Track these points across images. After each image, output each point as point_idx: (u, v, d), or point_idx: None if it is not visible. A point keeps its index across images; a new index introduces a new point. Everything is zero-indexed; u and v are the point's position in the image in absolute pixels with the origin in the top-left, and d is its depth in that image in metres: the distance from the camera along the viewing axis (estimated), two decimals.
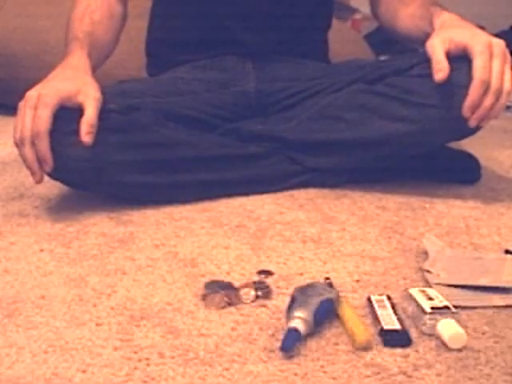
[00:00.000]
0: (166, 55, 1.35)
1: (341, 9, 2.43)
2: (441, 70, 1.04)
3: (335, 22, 2.04)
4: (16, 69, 1.75)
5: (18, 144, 0.98)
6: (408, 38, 1.27)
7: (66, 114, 0.99)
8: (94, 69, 1.12)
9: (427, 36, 1.11)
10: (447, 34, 1.06)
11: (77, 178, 1.06)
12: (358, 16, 2.66)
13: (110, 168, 1.05)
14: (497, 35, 1.07)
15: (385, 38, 2.46)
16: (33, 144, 0.97)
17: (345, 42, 1.95)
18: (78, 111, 1.00)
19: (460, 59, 1.04)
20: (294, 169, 1.21)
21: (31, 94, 0.99)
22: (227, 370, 0.66)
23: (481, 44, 1.03)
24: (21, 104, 1.00)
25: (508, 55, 1.04)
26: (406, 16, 1.24)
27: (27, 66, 1.72)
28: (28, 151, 0.97)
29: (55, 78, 1.04)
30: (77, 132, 0.99)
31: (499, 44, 1.04)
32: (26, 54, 1.75)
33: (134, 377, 0.65)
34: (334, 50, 1.47)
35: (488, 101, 1.03)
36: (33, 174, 0.99)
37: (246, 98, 1.26)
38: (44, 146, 0.97)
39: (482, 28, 1.19)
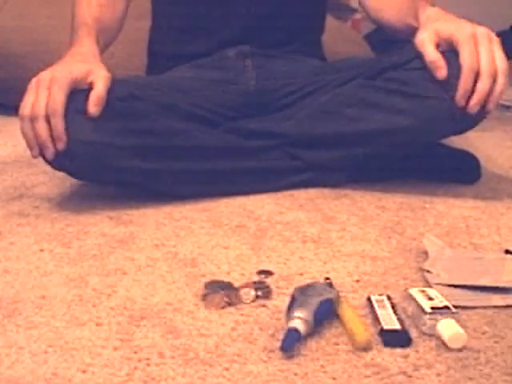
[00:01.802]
0: (167, 53, 1.35)
1: (341, 9, 2.43)
2: (439, 67, 1.05)
3: (335, 22, 2.04)
4: (16, 69, 1.74)
5: (30, 119, 0.99)
6: (393, 30, 1.28)
7: (73, 95, 1.01)
8: (101, 53, 1.14)
9: (412, 29, 1.13)
10: (433, 28, 1.08)
11: (78, 163, 1.05)
12: (357, 16, 2.65)
13: (110, 152, 1.05)
14: (497, 35, 1.07)
15: (384, 38, 2.46)
16: (46, 121, 0.99)
17: (345, 41, 1.95)
18: (85, 92, 1.02)
19: (450, 51, 1.06)
20: (294, 165, 1.21)
21: (44, 75, 1.01)
22: (227, 369, 0.66)
23: (465, 35, 1.04)
24: (33, 83, 1.01)
25: (494, 38, 1.05)
26: (391, 9, 1.25)
27: (27, 66, 1.72)
28: (42, 127, 0.99)
29: (66, 62, 1.05)
30: (81, 112, 1.01)
31: (483, 32, 1.04)
32: (26, 54, 1.75)
33: (133, 377, 0.65)
34: (334, 49, 1.47)
35: (483, 85, 1.03)
36: (45, 148, 1.01)
37: (247, 96, 1.26)
38: (60, 125, 1.00)
39: None
